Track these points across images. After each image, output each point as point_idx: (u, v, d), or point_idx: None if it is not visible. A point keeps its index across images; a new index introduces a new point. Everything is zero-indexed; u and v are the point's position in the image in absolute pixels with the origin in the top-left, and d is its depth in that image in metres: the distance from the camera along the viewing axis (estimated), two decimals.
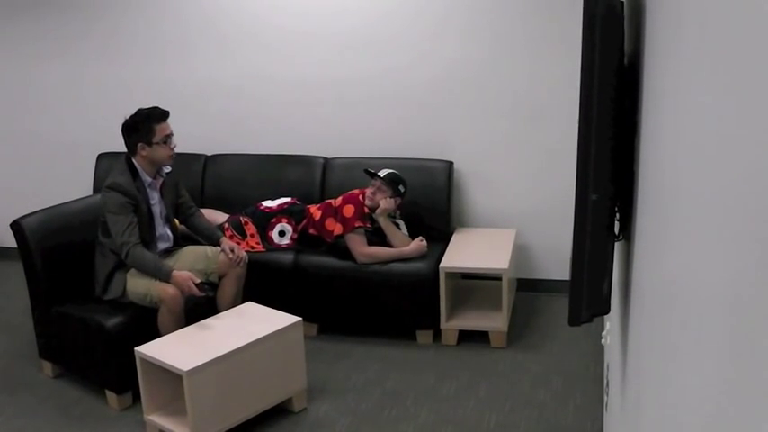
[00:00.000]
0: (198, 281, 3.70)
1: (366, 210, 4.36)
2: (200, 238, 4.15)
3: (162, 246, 3.93)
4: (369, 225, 4.35)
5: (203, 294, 3.73)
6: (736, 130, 0.76)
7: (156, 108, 3.80)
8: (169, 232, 3.99)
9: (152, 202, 3.86)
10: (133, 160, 3.80)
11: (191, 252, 4.01)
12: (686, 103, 1.13)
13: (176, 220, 4.23)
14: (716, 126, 0.87)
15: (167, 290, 3.65)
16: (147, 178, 3.83)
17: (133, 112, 3.83)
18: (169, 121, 3.83)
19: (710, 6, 0.94)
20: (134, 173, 3.79)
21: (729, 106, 0.80)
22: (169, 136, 3.81)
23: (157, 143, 3.76)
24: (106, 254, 3.83)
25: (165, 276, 3.67)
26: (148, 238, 3.82)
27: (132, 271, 3.78)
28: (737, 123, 0.75)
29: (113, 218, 3.70)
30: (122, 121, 3.81)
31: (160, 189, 3.91)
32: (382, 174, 4.38)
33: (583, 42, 1.94)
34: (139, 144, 3.75)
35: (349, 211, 4.33)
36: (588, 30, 1.93)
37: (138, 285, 3.74)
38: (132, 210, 3.72)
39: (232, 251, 3.92)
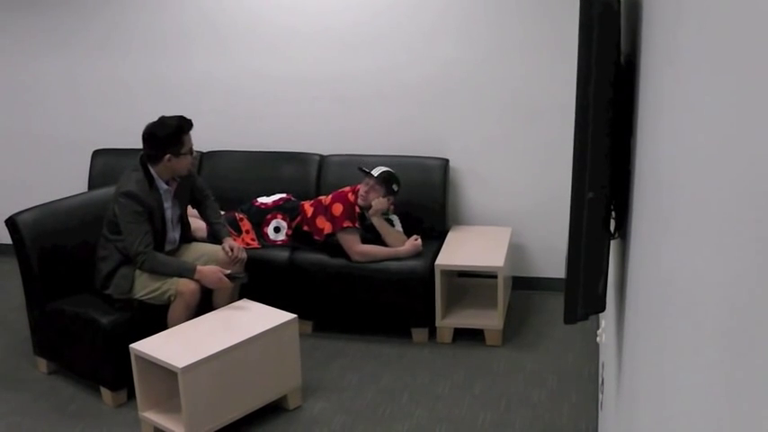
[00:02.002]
0: (227, 271, 3.75)
1: (357, 209, 4.34)
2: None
3: (167, 248, 3.93)
4: (358, 225, 4.33)
5: (237, 281, 3.83)
6: (733, 128, 0.76)
7: (182, 118, 3.78)
8: (177, 236, 3.99)
9: (166, 206, 3.85)
10: (150, 167, 3.79)
11: (192, 249, 4.02)
12: (683, 100, 1.13)
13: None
14: (713, 124, 0.87)
15: (188, 284, 3.68)
16: (162, 185, 3.82)
17: (155, 118, 3.80)
18: None
19: (709, 3, 0.94)
20: (150, 179, 3.78)
21: (727, 104, 0.80)
22: (192, 147, 3.82)
23: (184, 154, 3.76)
24: (111, 249, 3.82)
25: (190, 274, 3.71)
26: (158, 243, 3.82)
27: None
28: (735, 121, 0.75)
29: (128, 226, 3.70)
30: (145, 128, 3.76)
31: (175, 194, 3.90)
32: (375, 172, 4.36)
33: (579, 40, 1.94)
34: (167, 156, 3.73)
35: (337, 209, 4.32)
36: (585, 27, 1.92)
37: (151, 282, 3.74)
38: (146, 218, 3.72)
39: (231, 250, 3.92)
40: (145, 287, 3.75)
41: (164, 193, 3.83)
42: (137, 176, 3.76)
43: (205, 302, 3.86)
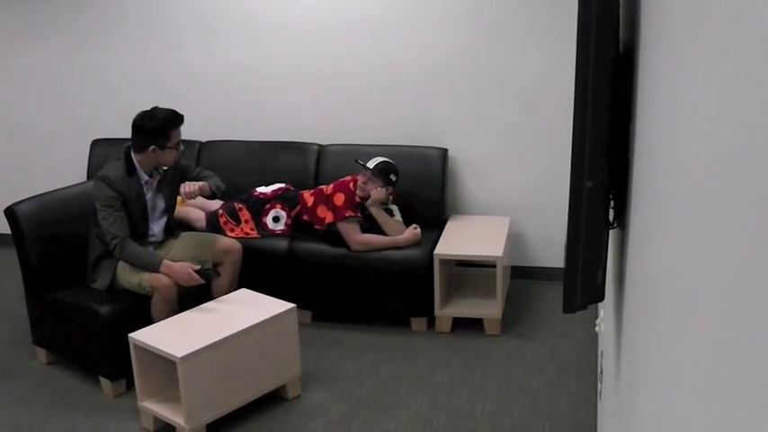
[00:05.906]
0: (196, 267, 3.69)
1: (357, 199, 4.34)
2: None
3: (150, 240, 3.91)
4: (359, 214, 4.33)
5: (206, 280, 3.73)
6: (732, 118, 0.76)
7: (173, 112, 3.75)
8: (161, 230, 3.97)
9: (147, 197, 3.84)
10: (133, 156, 3.78)
11: (184, 240, 4.01)
12: (681, 89, 1.13)
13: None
14: (711, 113, 0.87)
15: (161, 279, 3.64)
16: (143, 176, 3.80)
17: (147, 106, 3.78)
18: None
19: None
20: (131, 168, 3.77)
21: (725, 94, 0.79)
22: (180, 141, 3.80)
23: (169, 147, 3.74)
24: (93, 241, 3.83)
25: (155, 268, 3.66)
26: (139, 235, 3.80)
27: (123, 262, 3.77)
28: (734, 111, 0.75)
29: (102, 211, 3.69)
30: (136, 116, 3.75)
31: (159, 186, 3.89)
32: (371, 164, 4.35)
33: (578, 30, 1.93)
34: (151, 147, 3.72)
35: (339, 199, 4.32)
36: (583, 17, 1.92)
37: (131, 275, 3.73)
38: (121, 205, 3.70)
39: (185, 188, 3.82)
40: (126, 280, 3.75)
41: (145, 185, 3.82)
42: (116, 164, 3.76)
43: (203, 293, 3.86)
